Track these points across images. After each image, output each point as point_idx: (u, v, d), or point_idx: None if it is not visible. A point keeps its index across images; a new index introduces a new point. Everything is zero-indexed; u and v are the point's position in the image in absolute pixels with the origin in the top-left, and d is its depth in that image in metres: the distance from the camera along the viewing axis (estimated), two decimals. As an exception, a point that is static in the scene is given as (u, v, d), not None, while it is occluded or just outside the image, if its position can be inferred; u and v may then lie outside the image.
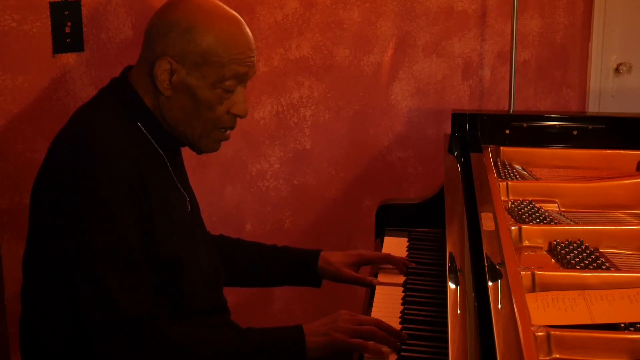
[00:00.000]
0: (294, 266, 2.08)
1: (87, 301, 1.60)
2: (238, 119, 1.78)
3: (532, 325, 1.48)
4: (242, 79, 1.73)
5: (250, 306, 2.89)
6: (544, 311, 1.59)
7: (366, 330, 1.69)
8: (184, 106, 1.71)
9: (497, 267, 1.67)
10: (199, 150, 1.80)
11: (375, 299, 1.98)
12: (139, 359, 1.60)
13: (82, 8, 2.33)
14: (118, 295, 1.59)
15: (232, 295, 1.99)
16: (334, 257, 2.08)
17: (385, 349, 1.69)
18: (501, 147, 2.59)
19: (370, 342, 1.68)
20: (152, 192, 1.67)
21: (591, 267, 1.80)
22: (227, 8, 1.75)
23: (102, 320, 1.59)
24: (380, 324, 1.71)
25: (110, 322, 1.59)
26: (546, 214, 2.10)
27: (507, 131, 2.65)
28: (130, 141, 1.68)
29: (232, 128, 1.78)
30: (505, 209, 2.09)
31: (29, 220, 1.72)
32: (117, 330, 1.59)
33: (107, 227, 1.59)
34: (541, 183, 2.35)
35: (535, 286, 1.70)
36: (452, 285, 1.68)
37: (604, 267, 1.79)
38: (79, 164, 1.61)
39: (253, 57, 1.74)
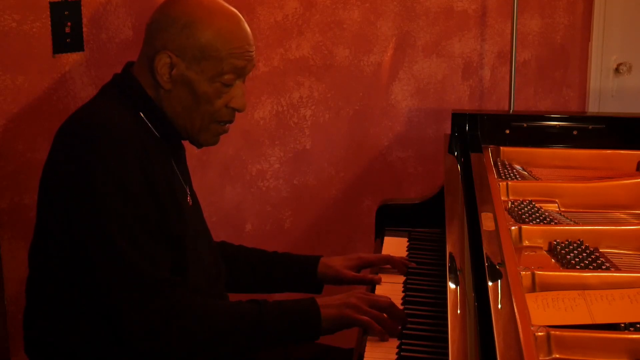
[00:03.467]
0: (294, 272, 2.09)
1: (108, 271, 1.62)
2: (237, 114, 1.81)
3: (532, 325, 1.48)
4: (240, 73, 1.77)
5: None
6: (544, 311, 1.59)
7: (374, 314, 1.75)
8: (184, 100, 1.75)
9: (497, 267, 1.67)
10: (198, 144, 1.83)
11: (375, 299, 1.98)
12: (167, 320, 1.63)
13: (82, 8, 2.33)
14: (139, 261, 1.61)
15: (233, 297, 1.99)
16: (333, 261, 2.10)
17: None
18: (501, 147, 2.59)
19: (376, 324, 1.74)
20: (158, 174, 1.69)
21: (591, 267, 1.80)
22: (226, 4, 1.78)
23: (126, 287, 1.61)
24: (392, 307, 1.78)
25: (134, 287, 1.61)
26: (546, 214, 2.10)
27: (507, 131, 2.65)
28: (133, 127, 1.71)
29: (230, 122, 1.82)
30: (505, 209, 2.09)
31: (37, 208, 1.73)
32: (142, 294, 1.61)
33: (121, 198, 1.61)
34: (541, 183, 2.35)
35: (535, 286, 1.70)
36: (452, 285, 1.68)
37: (604, 267, 1.79)
38: (87, 142, 1.63)
39: (251, 51, 1.77)
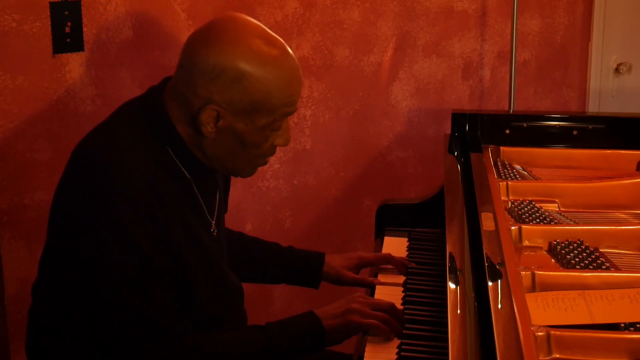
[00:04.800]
0: (299, 267, 2.10)
1: (110, 320, 1.59)
2: None
3: (532, 325, 1.48)
4: (289, 114, 1.70)
5: (250, 306, 2.88)
6: (544, 311, 1.59)
7: (379, 317, 1.76)
8: (229, 146, 1.67)
9: (497, 267, 1.67)
10: (237, 176, 1.80)
11: (375, 299, 1.98)
12: None
13: (82, 8, 2.33)
14: (144, 312, 1.59)
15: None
16: (334, 261, 2.11)
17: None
18: (501, 147, 2.59)
19: (383, 325, 1.76)
20: (173, 215, 1.63)
21: (591, 267, 1.80)
22: (273, 37, 1.65)
23: (129, 339, 1.59)
24: (393, 309, 1.79)
25: (138, 340, 1.59)
26: (546, 214, 2.10)
27: (507, 131, 2.65)
28: (153, 165, 1.63)
29: (272, 155, 1.75)
30: (505, 209, 2.09)
31: (48, 225, 1.70)
32: (146, 347, 1.59)
33: (126, 253, 1.57)
34: (541, 183, 2.35)
35: (535, 286, 1.70)
36: (452, 285, 1.68)
37: (604, 267, 1.79)
38: (97, 187, 1.58)
39: (301, 90, 1.70)
